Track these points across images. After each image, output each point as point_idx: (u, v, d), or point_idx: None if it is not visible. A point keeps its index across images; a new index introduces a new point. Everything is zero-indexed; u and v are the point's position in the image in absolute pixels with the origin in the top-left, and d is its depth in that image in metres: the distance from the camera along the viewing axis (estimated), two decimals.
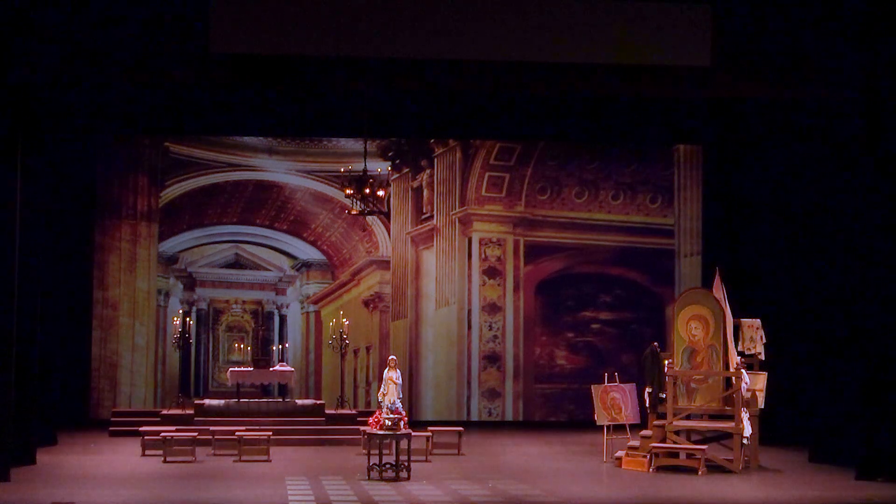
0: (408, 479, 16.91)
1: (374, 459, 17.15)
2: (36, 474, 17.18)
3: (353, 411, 22.73)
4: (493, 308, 25.92)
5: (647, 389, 19.00)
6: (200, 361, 25.60)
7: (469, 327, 25.87)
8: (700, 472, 17.68)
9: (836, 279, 19.47)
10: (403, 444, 17.12)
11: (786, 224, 21.97)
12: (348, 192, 21.55)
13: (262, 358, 23.25)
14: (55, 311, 21.60)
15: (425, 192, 26.05)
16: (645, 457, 18.18)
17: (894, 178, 17.44)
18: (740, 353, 18.95)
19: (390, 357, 18.67)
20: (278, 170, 25.90)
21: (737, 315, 19.25)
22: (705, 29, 16.73)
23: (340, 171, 22.90)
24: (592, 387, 19.68)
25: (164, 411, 22.30)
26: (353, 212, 22.08)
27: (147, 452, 19.39)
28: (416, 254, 26.04)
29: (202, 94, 20.94)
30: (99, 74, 17.01)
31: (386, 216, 25.64)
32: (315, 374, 25.86)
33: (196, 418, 21.48)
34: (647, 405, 19.07)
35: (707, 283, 21.15)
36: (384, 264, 26.07)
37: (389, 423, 17.09)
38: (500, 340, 25.87)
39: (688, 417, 19.13)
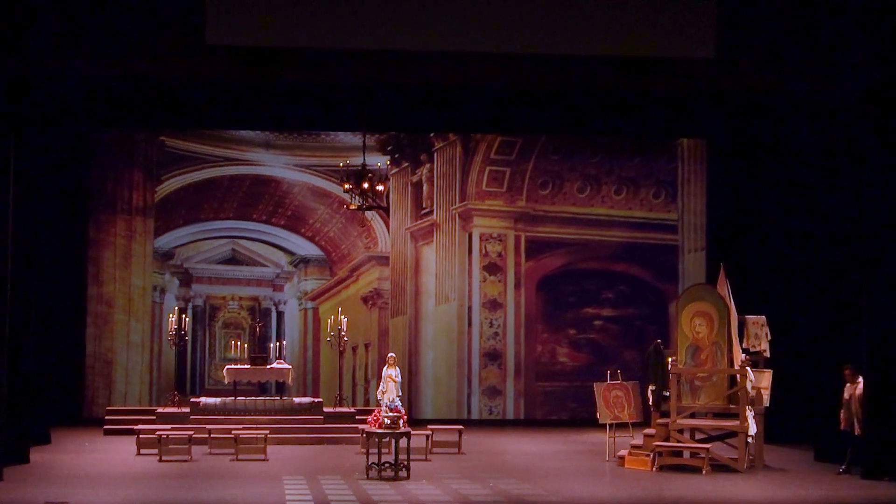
0: (407, 478, 16.86)
1: (374, 458, 17.12)
2: (29, 473, 17.13)
3: (352, 409, 22.69)
4: (493, 305, 25.76)
5: (651, 387, 18.99)
6: (196, 359, 25.55)
7: (469, 324, 25.73)
8: (704, 472, 17.63)
9: (842, 275, 19.39)
10: (403, 442, 17.07)
11: (791, 219, 21.85)
12: (347, 186, 21.55)
13: (259, 355, 23.18)
14: (49, 307, 21.60)
15: (425, 187, 25.90)
16: (648, 456, 18.14)
17: None
18: (745, 351, 18.85)
19: (389, 354, 18.87)
20: (276, 164, 25.79)
21: (741, 312, 19.15)
22: (710, 21, 16.69)
23: (339, 166, 22.89)
24: (595, 384, 19.62)
25: (160, 409, 22.23)
26: (352, 207, 22.05)
27: (142, 451, 19.35)
28: (416, 249, 25.89)
29: (198, 87, 20.77)
30: (93, 67, 16.87)
31: (385, 211, 25.52)
32: (313, 371, 25.78)
33: (192, 416, 21.43)
34: (651, 403, 19.04)
35: (711, 280, 21.03)
36: (383, 260, 25.94)
37: (389, 422, 17.08)
38: (500, 337, 25.73)
39: (692, 416, 19.11)
